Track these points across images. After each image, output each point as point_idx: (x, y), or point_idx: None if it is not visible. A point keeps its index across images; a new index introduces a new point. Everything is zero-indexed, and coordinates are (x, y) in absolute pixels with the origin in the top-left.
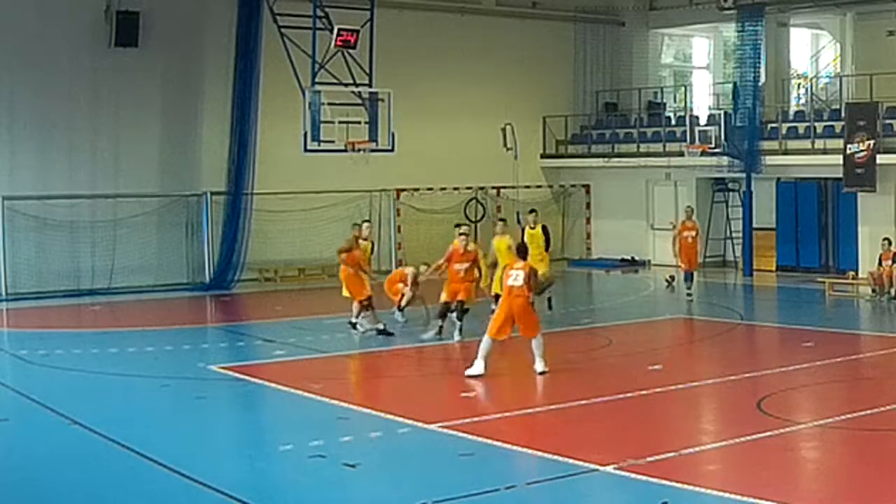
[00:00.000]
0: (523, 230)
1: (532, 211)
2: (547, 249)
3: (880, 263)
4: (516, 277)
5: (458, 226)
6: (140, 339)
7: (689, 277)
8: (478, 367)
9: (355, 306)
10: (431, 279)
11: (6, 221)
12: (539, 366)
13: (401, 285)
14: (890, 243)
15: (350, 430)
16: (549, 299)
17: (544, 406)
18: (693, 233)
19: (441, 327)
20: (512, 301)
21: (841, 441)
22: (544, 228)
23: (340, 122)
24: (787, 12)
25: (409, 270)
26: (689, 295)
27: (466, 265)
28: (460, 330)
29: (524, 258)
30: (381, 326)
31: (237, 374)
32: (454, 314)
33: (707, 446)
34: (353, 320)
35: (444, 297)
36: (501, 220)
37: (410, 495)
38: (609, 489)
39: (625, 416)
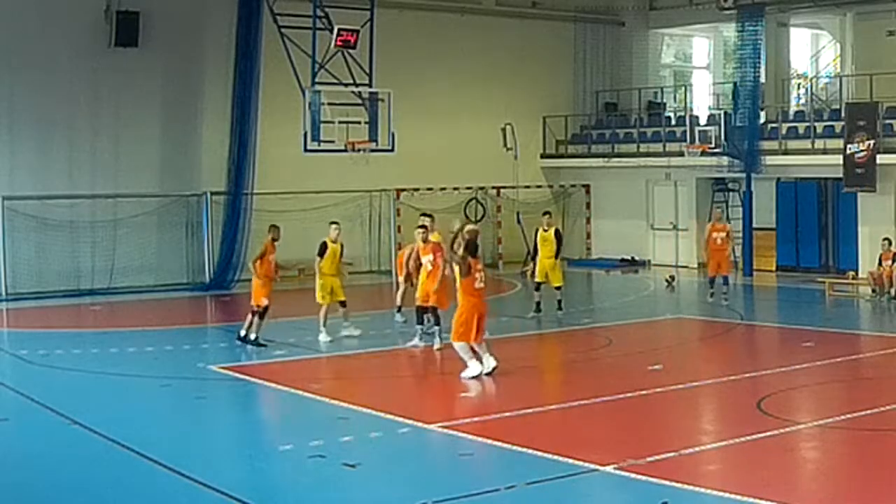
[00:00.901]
0: (536, 231)
1: (546, 213)
2: (557, 254)
3: (880, 263)
4: (481, 279)
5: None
6: (140, 339)
7: (725, 281)
8: (474, 368)
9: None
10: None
11: (6, 221)
12: (493, 361)
13: (401, 279)
14: (890, 243)
15: (350, 430)
16: (560, 301)
17: (544, 406)
18: (723, 234)
19: (421, 333)
20: (480, 303)
21: (841, 441)
22: (557, 232)
23: (340, 122)
24: (787, 12)
25: (406, 251)
26: (724, 300)
27: (430, 256)
28: (439, 335)
29: (476, 255)
30: (253, 336)
31: (237, 374)
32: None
33: (707, 446)
34: (324, 338)
35: (417, 300)
36: (425, 214)
37: (410, 495)
38: (609, 489)
39: (625, 416)
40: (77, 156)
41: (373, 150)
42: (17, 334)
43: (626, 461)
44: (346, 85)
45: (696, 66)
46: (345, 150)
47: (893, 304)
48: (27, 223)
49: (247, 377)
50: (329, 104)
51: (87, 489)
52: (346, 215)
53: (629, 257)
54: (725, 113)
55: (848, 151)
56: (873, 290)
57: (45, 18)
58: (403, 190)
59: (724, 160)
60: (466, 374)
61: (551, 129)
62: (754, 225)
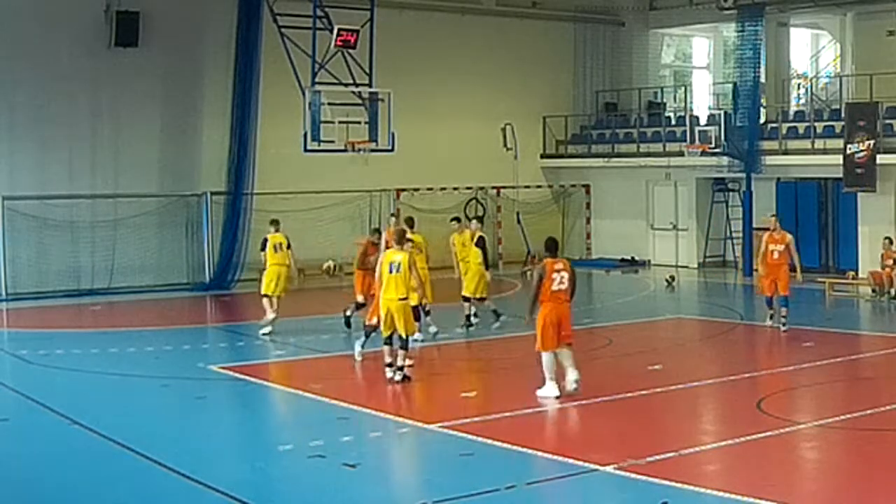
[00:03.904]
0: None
1: (456, 219)
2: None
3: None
4: (562, 280)
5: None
6: (140, 339)
7: (784, 302)
8: (551, 388)
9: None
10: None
11: (6, 221)
12: (573, 374)
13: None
14: (891, 242)
15: (350, 430)
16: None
17: (544, 406)
18: (780, 247)
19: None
20: (561, 307)
21: (841, 441)
22: (480, 240)
23: (340, 122)
24: (787, 12)
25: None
26: (783, 325)
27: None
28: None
29: (555, 254)
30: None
31: (237, 374)
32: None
33: (707, 446)
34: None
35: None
36: (407, 218)
37: (410, 495)
38: (609, 489)
39: (625, 416)
40: (77, 156)
41: (373, 150)
42: (17, 334)
43: (626, 461)
44: (346, 85)
45: (696, 66)
46: (345, 150)
47: (893, 304)
48: (27, 223)
49: (247, 377)
50: (329, 104)
51: (87, 489)
52: (346, 215)
53: (629, 257)
54: (725, 113)
55: (848, 151)
56: (873, 290)
57: (45, 18)
58: (403, 190)
59: (724, 160)
60: (542, 392)
61: (551, 129)
62: (754, 225)
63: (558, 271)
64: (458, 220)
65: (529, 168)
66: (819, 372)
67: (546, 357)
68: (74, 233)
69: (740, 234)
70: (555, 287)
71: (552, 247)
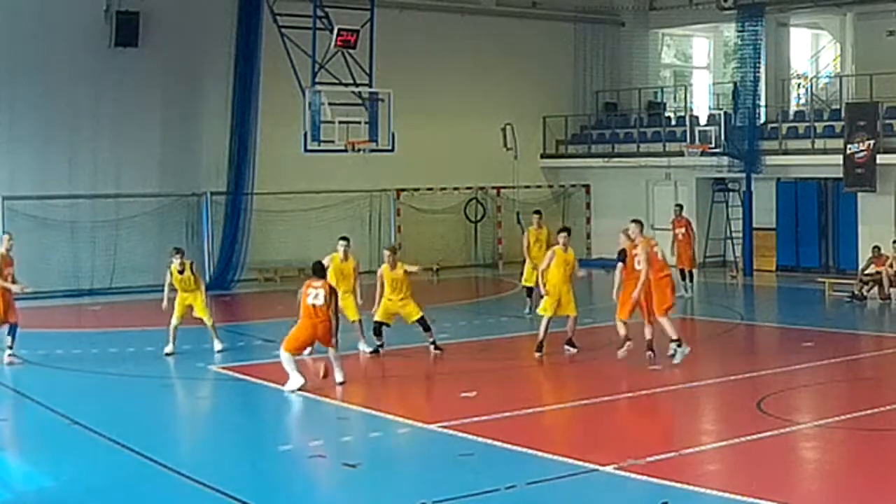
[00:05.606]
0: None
1: (536, 212)
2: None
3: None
4: (317, 296)
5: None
6: (140, 339)
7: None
8: (298, 379)
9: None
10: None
11: (6, 221)
12: (339, 376)
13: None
14: None
15: (350, 430)
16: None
17: (544, 406)
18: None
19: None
20: (315, 321)
21: (841, 441)
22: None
23: (340, 122)
24: (787, 12)
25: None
26: None
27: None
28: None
29: (323, 276)
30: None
31: (237, 374)
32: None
33: (707, 446)
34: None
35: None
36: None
37: (410, 495)
38: (609, 489)
39: (625, 416)
40: (77, 156)
41: (373, 150)
42: (18, 334)
43: (626, 461)
44: (346, 85)
45: (696, 66)
46: (345, 150)
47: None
48: (27, 223)
49: (247, 377)
50: (329, 104)
51: (86, 489)
52: (346, 215)
53: None
54: (725, 113)
55: (848, 151)
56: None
57: (44, 19)
58: (403, 190)
59: (724, 160)
60: (290, 385)
61: (551, 129)
62: (754, 225)
63: (315, 288)
64: (393, 249)
65: (529, 168)
66: (819, 372)
67: (287, 355)
68: (74, 233)
69: (740, 234)
70: (309, 301)
71: (318, 269)
